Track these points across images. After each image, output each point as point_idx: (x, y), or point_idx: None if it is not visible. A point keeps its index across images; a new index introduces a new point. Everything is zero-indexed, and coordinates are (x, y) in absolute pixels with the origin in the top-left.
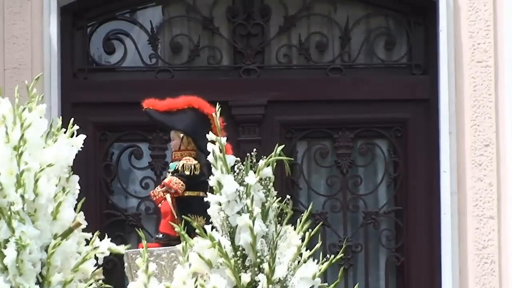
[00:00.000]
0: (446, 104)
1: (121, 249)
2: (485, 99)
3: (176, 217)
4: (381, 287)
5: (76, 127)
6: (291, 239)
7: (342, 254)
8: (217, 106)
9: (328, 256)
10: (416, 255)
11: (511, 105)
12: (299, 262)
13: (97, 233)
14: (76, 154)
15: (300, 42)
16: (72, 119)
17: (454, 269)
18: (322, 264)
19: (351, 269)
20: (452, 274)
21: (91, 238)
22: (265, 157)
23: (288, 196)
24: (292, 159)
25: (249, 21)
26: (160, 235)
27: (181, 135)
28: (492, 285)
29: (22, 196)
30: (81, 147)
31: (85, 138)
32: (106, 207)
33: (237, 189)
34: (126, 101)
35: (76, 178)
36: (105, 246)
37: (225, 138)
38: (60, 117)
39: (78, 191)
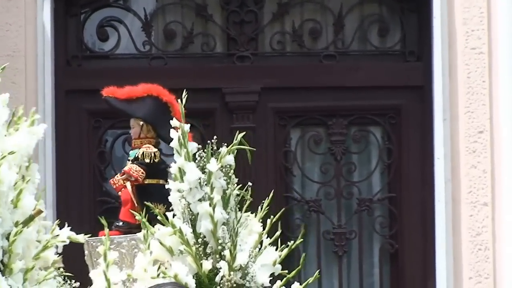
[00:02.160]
0: (440, 91)
1: (81, 237)
2: (479, 86)
3: (136, 205)
4: (375, 274)
5: (37, 116)
6: (252, 226)
7: (301, 240)
8: (184, 93)
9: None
10: (410, 242)
11: (505, 91)
12: (260, 249)
13: (57, 221)
14: (71, 142)
15: (294, 29)
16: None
17: (448, 256)
18: (282, 251)
19: (345, 256)
20: (446, 261)
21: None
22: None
23: (249, 183)
24: (254, 149)
25: (242, 8)
26: (121, 223)
27: (141, 123)
28: (486, 271)
29: None
30: (75, 135)
31: (79, 126)
32: (100, 194)
33: (198, 177)
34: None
35: (35, 166)
36: (65, 235)
37: (188, 125)
38: (53, 104)
39: (38, 180)
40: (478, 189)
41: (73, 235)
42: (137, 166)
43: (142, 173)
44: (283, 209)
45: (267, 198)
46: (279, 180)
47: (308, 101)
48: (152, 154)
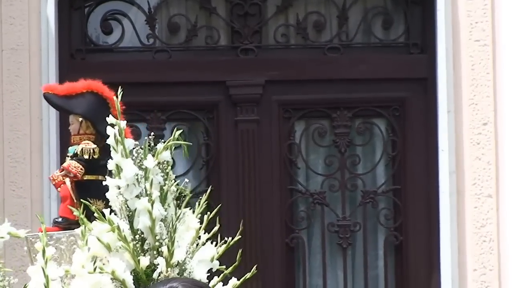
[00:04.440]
0: (444, 83)
1: (21, 233)
2: (483, 78)
3: (75, 201)
4: (379, 266)
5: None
6: (190, 222)
7: (239, 236)
8: (119, 90)
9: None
10: (415, 234)
11: (509, 83)
12: (197, 245)
13: None
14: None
15: (298, 22)
16: None
17: (452, 247)
18: (220, 246)
19: (349, 248)
20: (450, 253)
21: None
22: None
23: (186, 180)
24: (191, 144)
25: (246, 0)
26: (60, 219)
27: (80, 119)
28: (491, 263)
29: None
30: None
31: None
32: None
33: (136, 173)
34: (123, 81)
35: None
36: (5, 230)
37: (125, 121)
38: None
39: None
40: (482, 180)
41: (13, 230)
42: (76, 162)
43: (81, 169)
44: (219, 205)
45: (271, 190)
46: (284, 173)
47: (312, 93)
48: (91, 151)
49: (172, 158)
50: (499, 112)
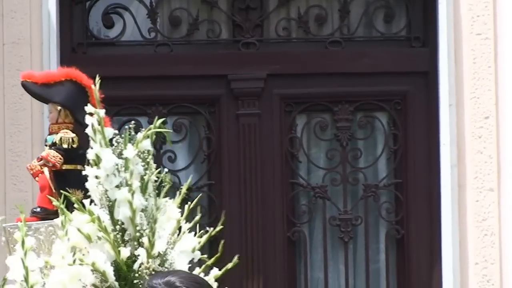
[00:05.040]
0: (445, 77)
1: None
2: (485, 72)
3: (54, 191)
4: (381, 260)
5: None
6: (170, 212)
7: (221, 227)
8: (97, 78)
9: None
10: (416, 228)
11: (510, 77)
12: (179, 235)
13: None
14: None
15: (299, 15)
16: None
17: (454, 241)
18: (201, 237)
19: (351, 242)
20: (452, 247)
21: None
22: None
23: (165, 169)
24: (171, 130)
25: None
26: (38, 209)
27: (59, 107)
28: (492, 257)
29: None
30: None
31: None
32: None
33: (115, 163)
34: (125, 75)
35: None
36: None
37: (104, 110)
38: None
39: None
40: (484, 174)
41: None
42: (55, 151)
43: (60, 158)
44: (200, 195)
45: (272, 184)
46: (285, 167)
47: (314, 87)
48: (70, 140)
49: (174, 152)
50: (501, 106)
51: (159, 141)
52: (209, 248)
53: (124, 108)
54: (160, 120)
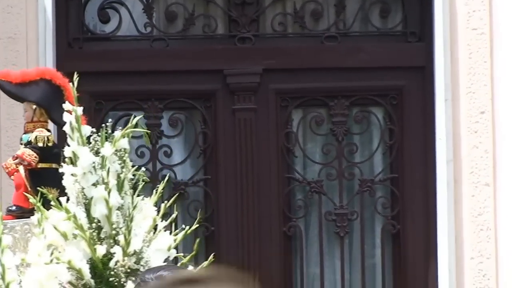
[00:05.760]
0: (441, 72)
1: None
2: (481, 67)
3: (29, 189)
4: (377, 254)
5: None
6: (147, 210)
7: (197, 225)
8: (75, 76)
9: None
10: (412, 222)
11: (506, 72)
12: (155, 233)
13: None
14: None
15: (295, 10)
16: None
17: (450, 236)
18: (177, 235)
19: (346, 236)
20: (448, 242)
21: None
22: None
23: (143, 168)
24: (149, 131)
25: None
26: (13, 208)
27: (34, 106)
28: (488, 251)
29: None
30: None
31: (81, 108)
32: None
33: (92, 161)
34: (121, 70)
35: None
36: None
37: (81, 108)
38: None
39: None
40: (479, 169)
41: None
42: (30, 150)
43: (35, 157)
44: (177, 193)
45: (268, 179)
46: (281, 161)
47: (310, 82)
48: (45, 138)
49: (170, 147)
50: (496, 101)
51: (155, 136)
52: (205, 244)
53: (120, 103)
54: (137, 118)
